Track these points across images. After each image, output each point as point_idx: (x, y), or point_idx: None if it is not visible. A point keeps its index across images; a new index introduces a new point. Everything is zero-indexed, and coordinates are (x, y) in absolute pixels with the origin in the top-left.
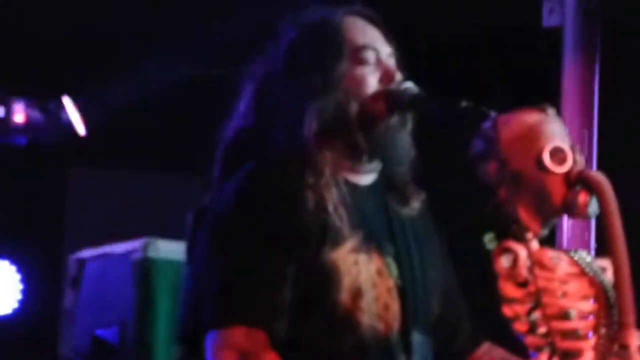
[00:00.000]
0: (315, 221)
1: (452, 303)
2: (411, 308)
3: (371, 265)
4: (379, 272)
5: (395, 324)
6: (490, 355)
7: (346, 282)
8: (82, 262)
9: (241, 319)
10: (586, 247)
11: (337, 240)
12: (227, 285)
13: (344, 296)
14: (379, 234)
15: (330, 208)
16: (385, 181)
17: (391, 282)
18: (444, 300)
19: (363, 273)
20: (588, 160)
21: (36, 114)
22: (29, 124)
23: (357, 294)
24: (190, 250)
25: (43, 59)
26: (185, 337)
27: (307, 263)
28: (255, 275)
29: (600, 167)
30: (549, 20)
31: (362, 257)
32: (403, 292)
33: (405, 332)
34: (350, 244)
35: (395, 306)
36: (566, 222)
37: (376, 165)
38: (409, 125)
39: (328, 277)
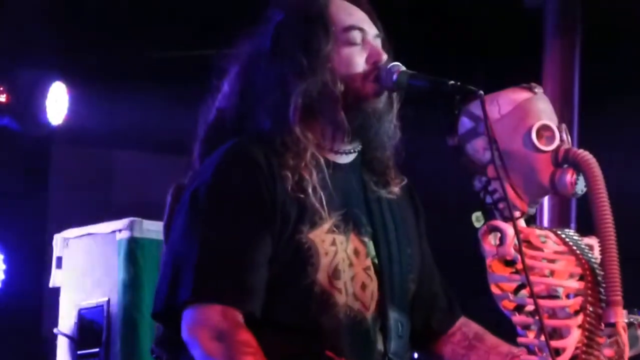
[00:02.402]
0: (293, 202)
1: (428, 280)
2: (388, 287)
3: (349, 245)
4: (356, 252)
5: (372, 303)
6: (464, 330)
7: (323, 262)
8: (67, 241)
9: (217, 298)
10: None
11: (314, 221)
12: (204, 264)
13: (321, 276)
14: (357, 213)
15: (310, 189)
16: (366, 162)
17: (368, 262)
18: (421, 279)
19: (340, 253)
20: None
21: (19, 96)
22: (11, 103)
23: (334, 274)
24: (168, 228)
25: (31, 40)
26: (162, 314)
27: (284, 243)
28: (231, 254)
29: (581, 147)
30: (530, 0)
31: (340, 237)
32: (380, 271)
33: (382, 310)
34: (327, 224)
35: (372, 285)
36: (547, 203)
37: (356, 144)
38: (395, 107)
39: (305, 257)
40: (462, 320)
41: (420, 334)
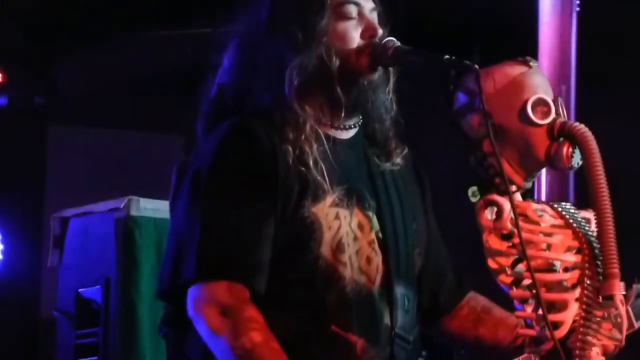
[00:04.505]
0: (295, 176)
1: (435, 255)
2: (393, 261)
3: (353, 219)
4: (361, 226)
5: (378, 277)
6: (472, 303)
7: (327, 236)
8: (65, 221)
9: (222, 274)
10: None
11: (317, 195)
12: (207, 241)
13: (325, 250)
14: (361, 187)
15: (311, 162)
16: (367, 136)
17: (372, 236)
18: (427, 253)
19: (344, 227)
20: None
21: (16, 73)
22: (8, 83)
23: (338, 247)
24: (173, 206)
25: (26, 21)
26: (167, 293)
27: (287, 218)
28: (235, 230)
29: (578, 121)
30: None
31: (343, 211)
32: (385, 245)
33: (387, 284)
34: (330, 198)
35: (377, 259)
36: (545, 178)
37: (357, 119)
38: (391, 81)
39: (309, 231)
40: (470, 294)
41: (428, 310)
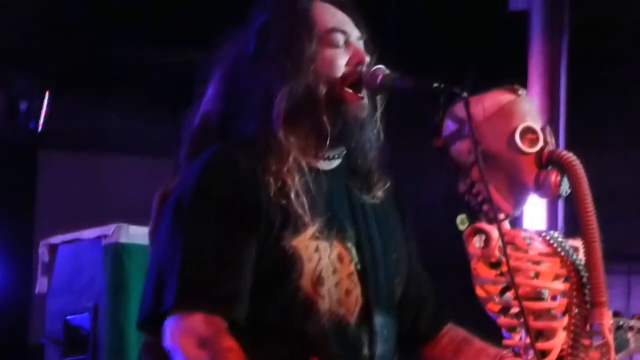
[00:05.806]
0: (276, 208)
1: (415, 283)
2: (373, 292)
3: (332, 251)
4: (340, 258)
5: (357, 309)
6: (451, 333)
7: (307, 268)
8: (53, 248)
9: (200, 305)
10: (555, 228)
11: (297, 227)
12: (186, 271)
13: (305, 282)
14: (341, 219)
15: (292, 195)
16: (349, 167)
17: (352, 268)
18: (407, 281)
19: (324, 259)
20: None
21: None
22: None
23: (317, 280)
24: (154, 234)
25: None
26: (148, 322)
27: (267, 249)
28: (214, 260)
29: (567, 149)
30: (515, 4)
31: (323, 244)
32: (364, 277)
33: (367, 315)
34: (311, 230)
35: (356, 291)
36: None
37: (340, 150)
38: (378, 110)
39: (288, 263)
40: (450, 324)
41: (409, 337)
